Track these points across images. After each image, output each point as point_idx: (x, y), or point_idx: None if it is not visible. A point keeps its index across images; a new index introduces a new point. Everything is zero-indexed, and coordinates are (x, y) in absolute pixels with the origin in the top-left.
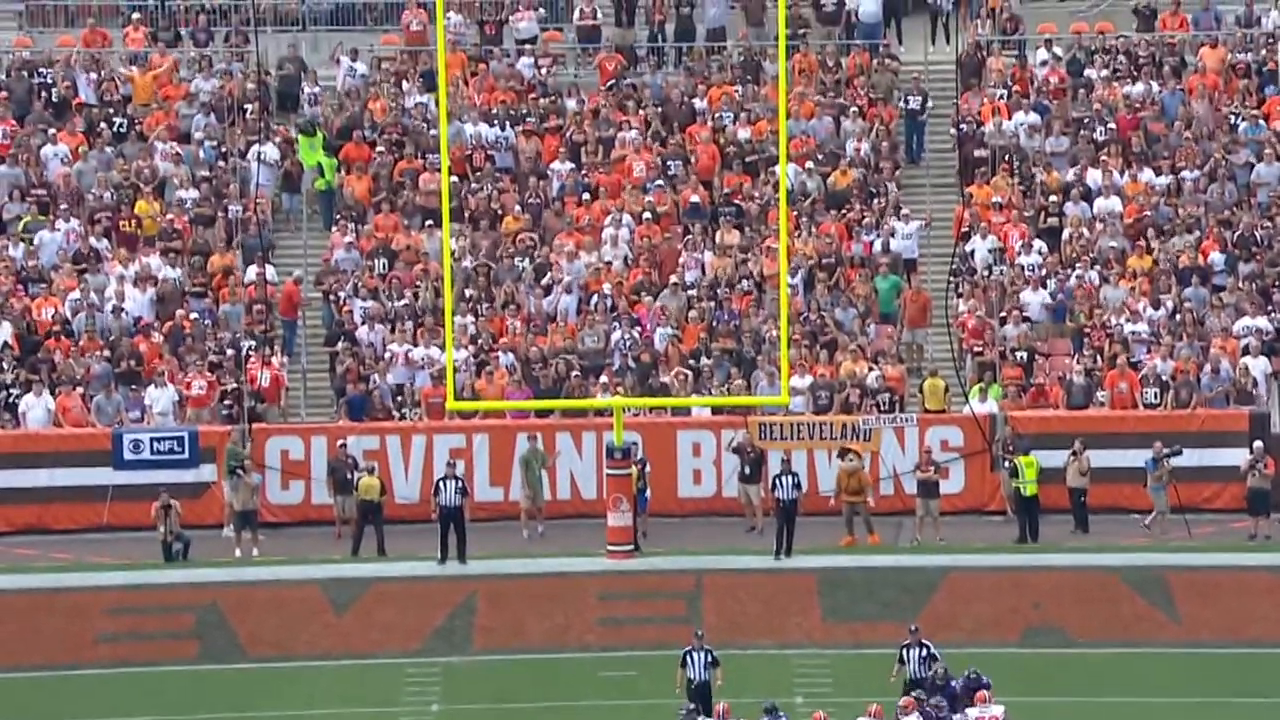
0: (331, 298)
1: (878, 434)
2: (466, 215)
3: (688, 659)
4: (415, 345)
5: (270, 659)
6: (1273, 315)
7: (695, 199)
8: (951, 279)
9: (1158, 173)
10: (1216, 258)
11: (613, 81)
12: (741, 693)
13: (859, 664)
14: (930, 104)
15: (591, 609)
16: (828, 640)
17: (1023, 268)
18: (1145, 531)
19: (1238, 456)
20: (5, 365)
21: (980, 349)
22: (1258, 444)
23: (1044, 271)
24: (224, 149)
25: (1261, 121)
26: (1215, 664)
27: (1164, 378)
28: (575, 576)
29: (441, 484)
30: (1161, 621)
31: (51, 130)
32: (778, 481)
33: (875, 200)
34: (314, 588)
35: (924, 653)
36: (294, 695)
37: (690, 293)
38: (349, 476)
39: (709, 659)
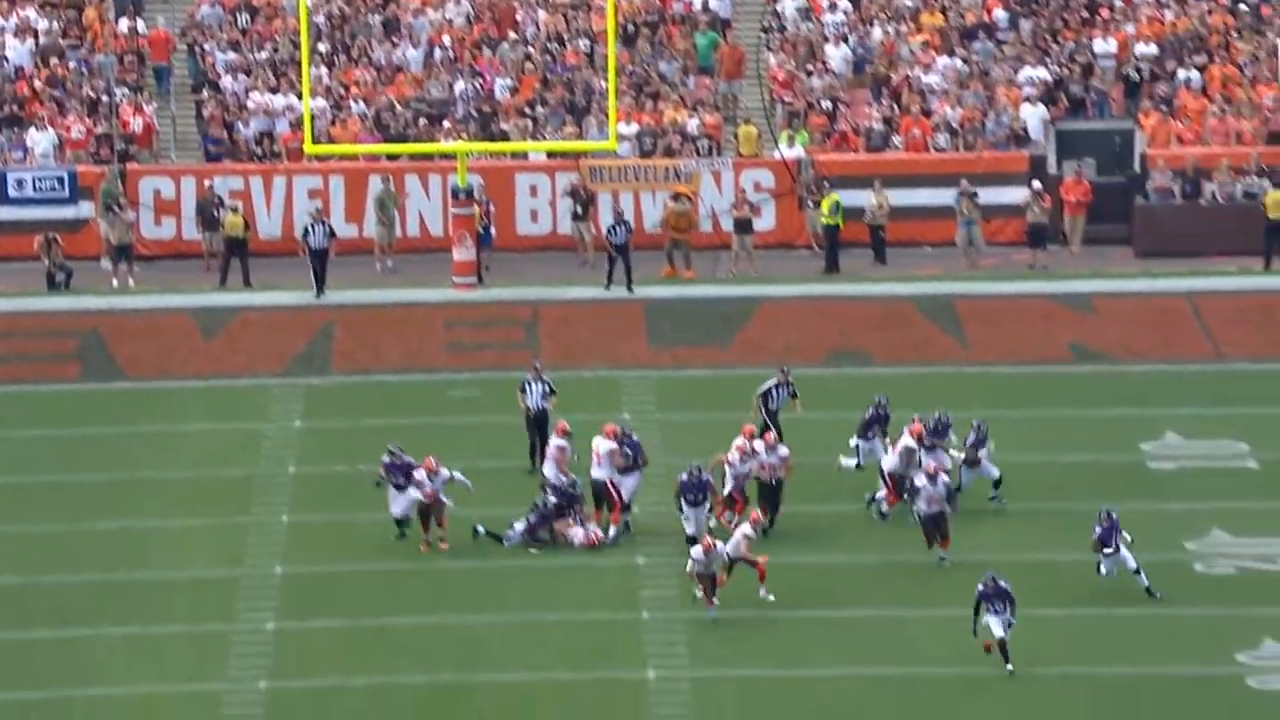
0: (196, 49)
1: (697, 176)
2: None
3: (526, 388)
4: (275, 94)
5: (147, 379)
6: (1050, 66)
7: None
8: (763, 34)
9: None
10: (1000, 14)
11: None
12: (575, 411)
13: (680, 384)
14: None
15: (439, 335)
16: (653, 363)
17: (827, 24)
18: (938, 262)
19: (1018, 195)
20: None
21: (789, 99)
22: (1036, 183)
23: (847, 28)
24: None
25: None
26: (997, 381)
27: (953, 124)
28: (424, 306)
29: (310, 227)
30: (951, 345)
31: None
32: (612, 230)
33: None
34: (186, 315)
35: (790, 390)
36: (169, 412)
37: (527, 47)
38: (216, 214)
39: (546, 389)
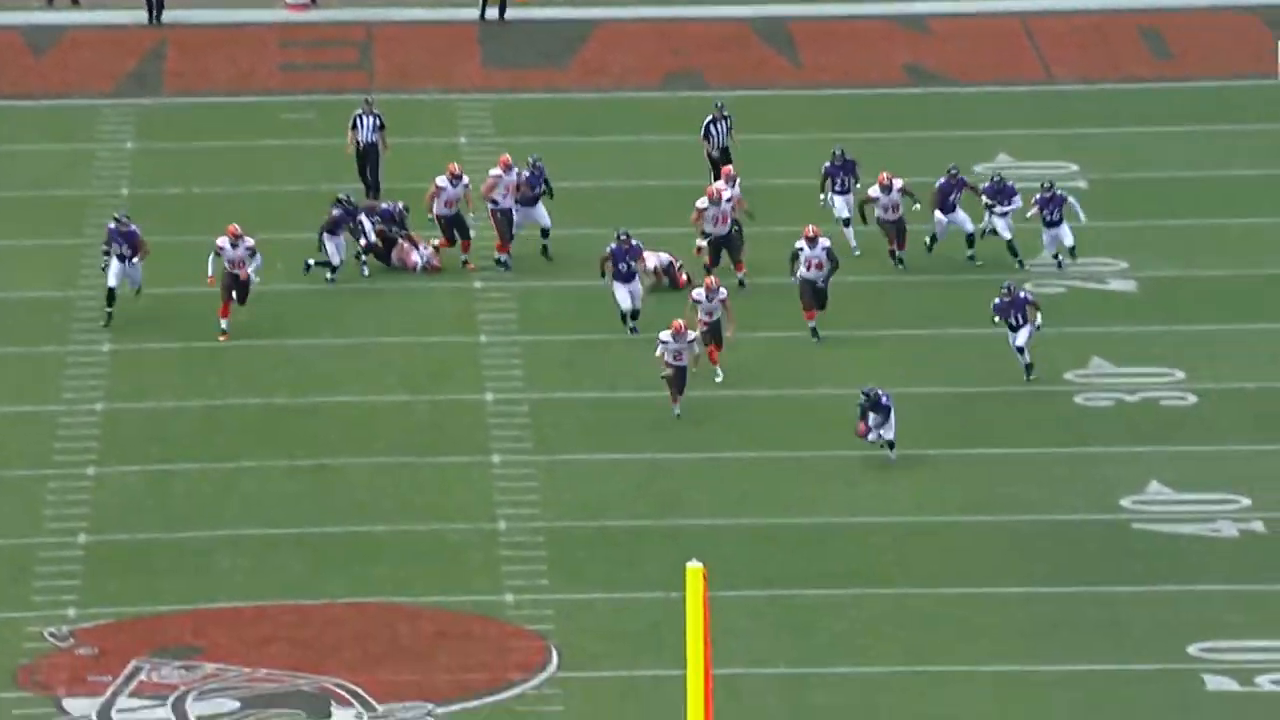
0: None
1: None
2: None
3: (357, 122)
4: None
5: None
6: None
7: None
8: None
9: None
10: None
11: None
12: (411, 135)
13: (517, 108)
14: None
15: (273, 56)
16: (488, 86)
17: None
18: None
19: None
20: None
21: None
22: None
23: None
24: None
25: None
26: (832, 103)
27: None
28: (257, 26)
29: None
30: (785, 67)
31: None
32: None
33: None
34: (15, 34)
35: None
36: None
37: None
38: None
39: (377, 123)
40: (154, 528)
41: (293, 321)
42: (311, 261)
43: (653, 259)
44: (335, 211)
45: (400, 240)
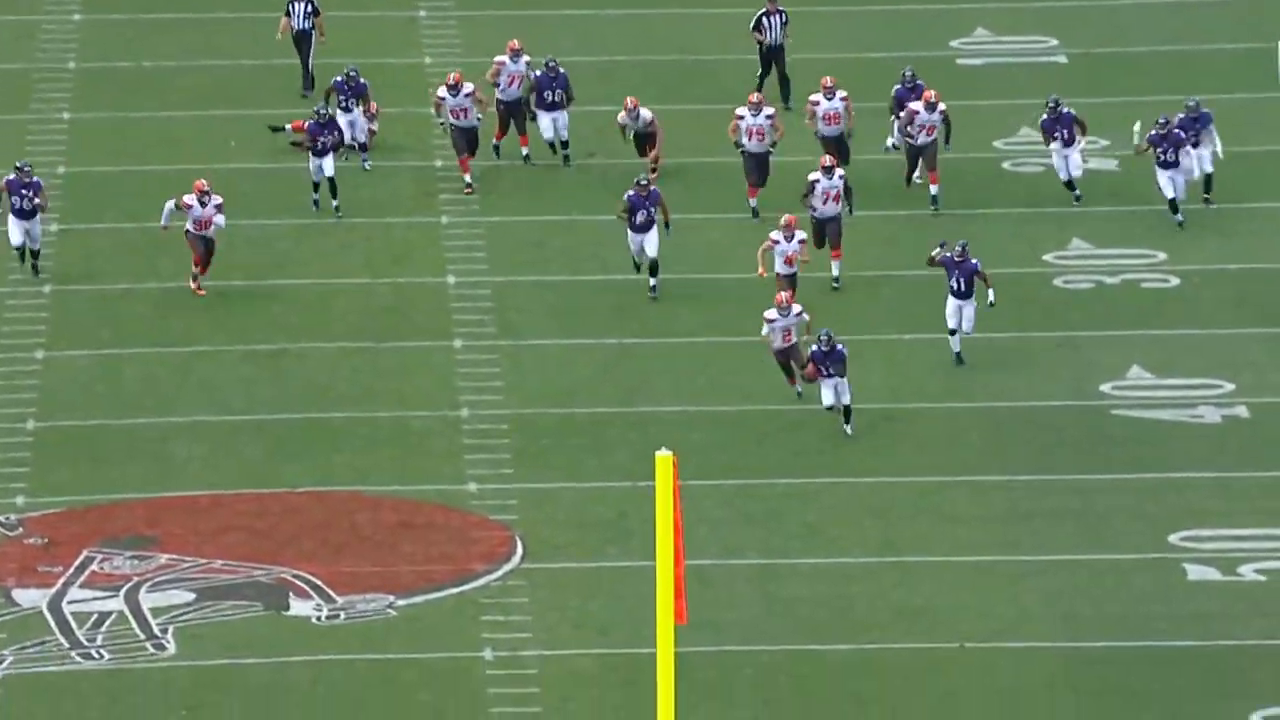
0: None
1: None
2: None
3: (290, 8)
4: None
5: None
6: None
7: None
8: None
9: None
10: None
11: None
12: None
13: None
14: None
15: None
16: None
17: None
18: None
19: None
20: None
21: None
22: None
23: None
24: None
25: None
26: None
27: None
28: None
29: None
30: None
31: None
32: None
33: None
34: None
35: (783, 19)
36: None
37: None
38: None
39: (309, 8)
40: (105, 414)
41: (250, 203)
42: (317, 197)
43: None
44: (316, 133)
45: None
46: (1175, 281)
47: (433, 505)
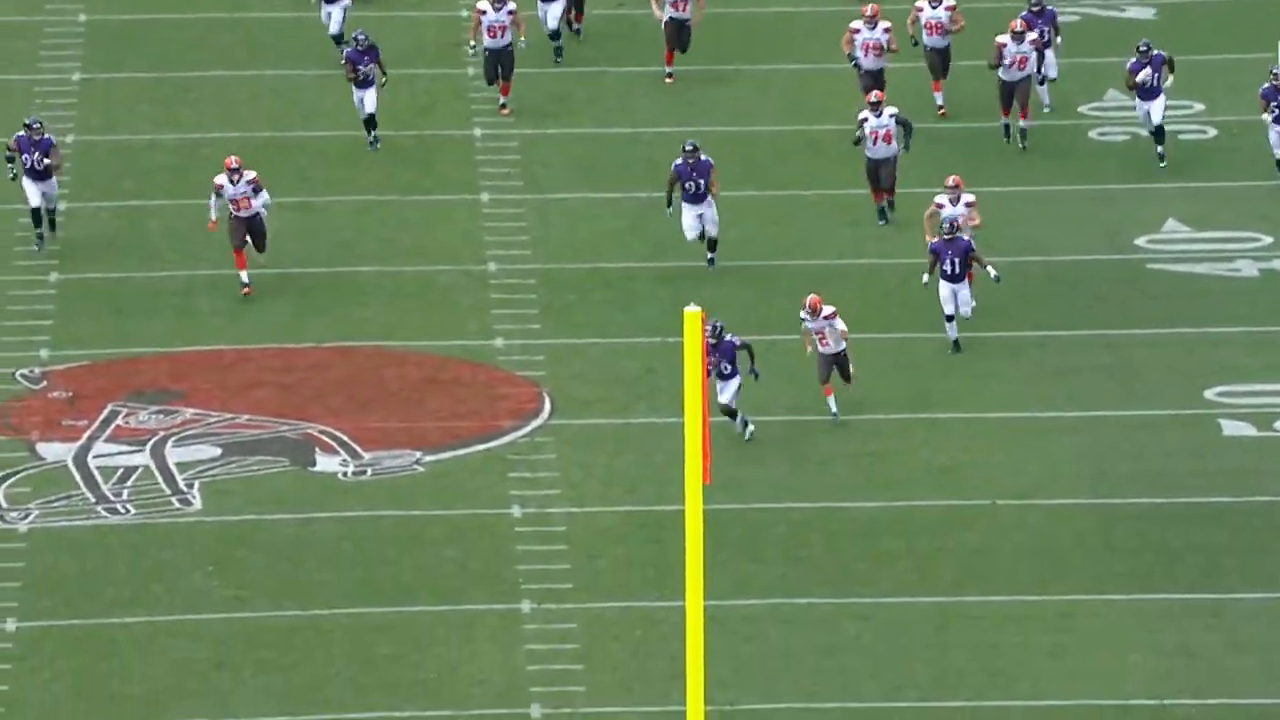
0: None
1: None
2: None
3: None
4: None
5: None
6: None
7: None
8: None
9: None
10: None
11: None
12: None
13: None
14: None
15: None
16: None
17: None
18: None
19: None
20: None
21: None
22: None
23: None
24: None
25: None
26: None
27: None
28: None
29: None
30: None
31: None
32: None
33: None
34: None
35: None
36: None
37: None
38: None
39: None
40: (129, 267)
41: (274, 52)
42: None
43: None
44: (355, 60)
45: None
46: (1212, 133)
47: (459, 361)
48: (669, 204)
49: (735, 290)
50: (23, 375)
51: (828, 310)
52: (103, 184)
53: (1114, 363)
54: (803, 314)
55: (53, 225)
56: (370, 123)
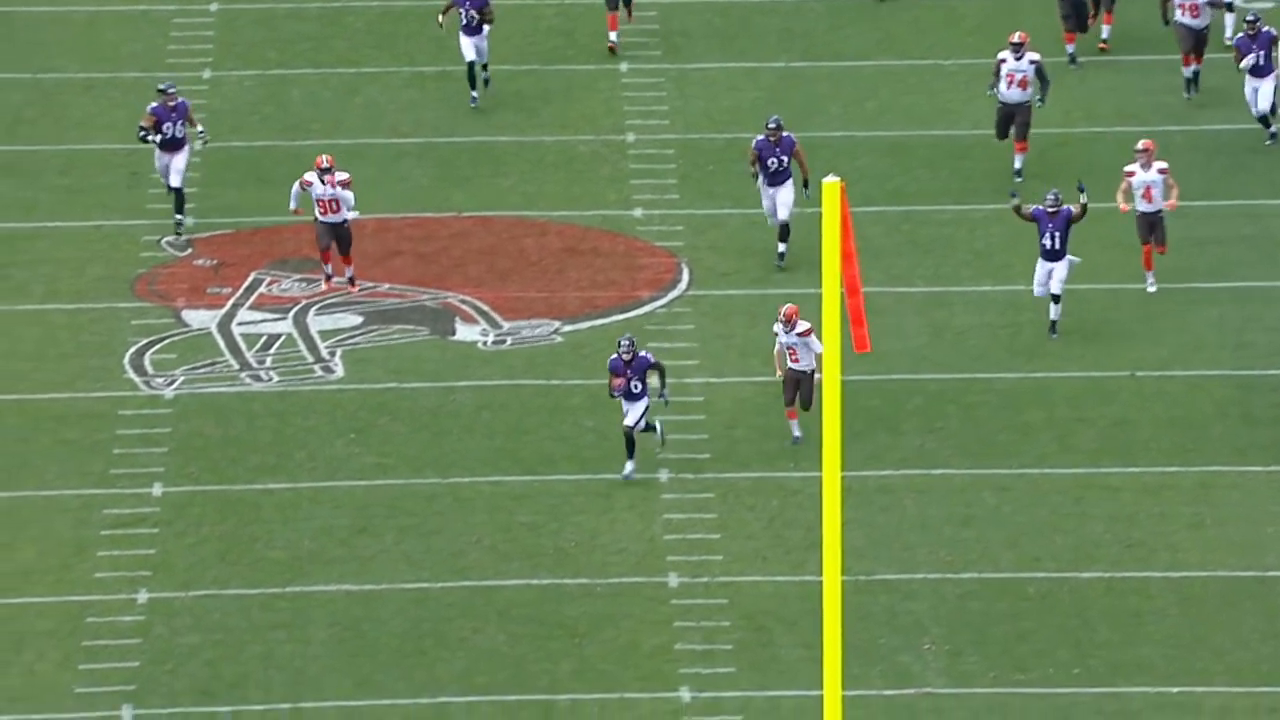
0: None
1: None
2: None
3: None
4: None
5: None
6: None
7: None
8: None
9: None
10: None
11: None
12: None
13: None
14: None
15: None
16: None
17: None
18: None
19: None
20: None
21: None
22: None
23: None
24: None
25: None
26: None
27: None
28: None
29: None
30: None
31: None
32: None
33: None
34: None
35: None
36: None
37: None
38: None
39: None
40: (272, 135)
41: None
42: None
43: None
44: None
45: None
46: None
47: (599, 231)
48: (756, 177)
49: (872, 161)
50: (167, 243)
51: (804, 325)
52: (246, 53)
53: (1256, 233)
54: (776, 325)
55: (180, 209)
56: (482, 67)
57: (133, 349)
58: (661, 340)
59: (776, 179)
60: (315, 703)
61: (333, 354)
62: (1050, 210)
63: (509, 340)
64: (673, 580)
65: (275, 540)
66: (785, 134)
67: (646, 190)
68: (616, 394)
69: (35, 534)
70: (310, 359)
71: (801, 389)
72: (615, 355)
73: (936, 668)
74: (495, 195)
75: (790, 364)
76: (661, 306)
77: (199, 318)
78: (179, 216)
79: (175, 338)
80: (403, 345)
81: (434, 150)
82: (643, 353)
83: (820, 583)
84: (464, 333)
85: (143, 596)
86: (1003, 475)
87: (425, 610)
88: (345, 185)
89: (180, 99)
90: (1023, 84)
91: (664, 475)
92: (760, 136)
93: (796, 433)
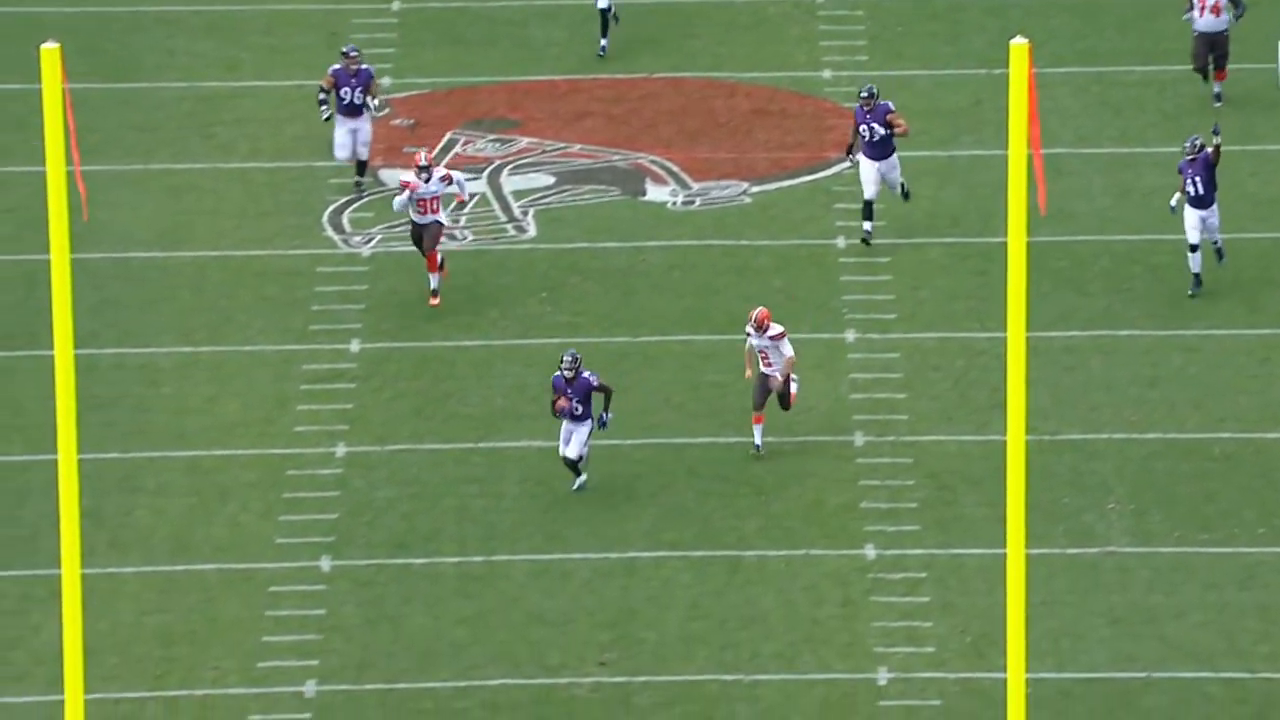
0: None
1: None
2: None
3: None
4: None
5: None
6: None
7: None
8: None
9: None
10: None
11: None
12: None
13: None
14: None
15: None
16: None
17: None
18: None
19: None
20: None
21: None
22: None
23: None
24: None
25: None
26: None
27: None
28: None
29: None
30: None
31: None
32: None
33: None
34: None
35: None
36: None
37: None
38: None
39: None
40: None
41: None
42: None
43: None
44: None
45: None
46: None
47: (787, 92)
48: (848, 151)
49: (1064, 21)
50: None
51: (775, 329)
52: None
53: None
54: (747, 328)
55: (359, 185)
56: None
57: (331, 207)
58: (848, 201)
59: (878, 151)
60: (507, 556)
61: (525, 213)
62: (1190, 157)
63: (698, 201)
64: (858, 439)
65: (469, 397)
66: (880, 102)
67: (835, 51)
68: (561, 415)
69: (238, 388)
70: (503, 218)
71: (779, 393)
72: (558, 371)
73: (1121, 527)
74: (685, 57)
75: (763, 368)
76: (849, 168)
77: (396, 177)
78: (359, 178)
79: (374, 196)
80: (594, 205)
81: (624, 11)
82: (586, 373)
83: (1004, 442)
84: (654, 193)
85: (341, 450)
86: (1189, 336)
87: (615, 466)
88: (445, 179)
89: (364, 65)
90: (1215, 10)
91: (850, 336)
92: (858, 105)
93: (759, 441)
